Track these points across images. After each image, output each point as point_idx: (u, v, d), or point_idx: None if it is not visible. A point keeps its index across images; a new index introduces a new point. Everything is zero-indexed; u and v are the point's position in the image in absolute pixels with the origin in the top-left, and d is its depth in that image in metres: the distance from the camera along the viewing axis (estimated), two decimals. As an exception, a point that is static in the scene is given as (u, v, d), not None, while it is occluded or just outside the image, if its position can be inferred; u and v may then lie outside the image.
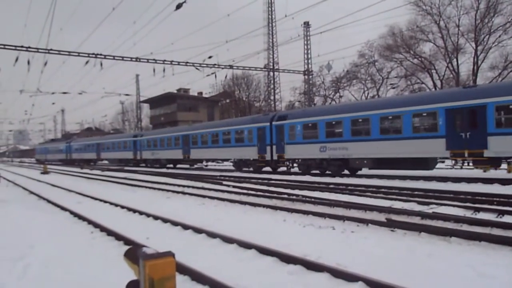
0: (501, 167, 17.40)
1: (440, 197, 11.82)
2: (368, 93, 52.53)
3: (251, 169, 27.49)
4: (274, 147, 24.97)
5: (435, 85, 43.74)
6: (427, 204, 10.74)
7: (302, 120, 23.38)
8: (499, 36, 39.01)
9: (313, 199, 12.34)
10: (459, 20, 40.66)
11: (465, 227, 7.80)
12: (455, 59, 42.16)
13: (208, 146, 31.60)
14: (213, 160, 37.54)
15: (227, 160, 32.19)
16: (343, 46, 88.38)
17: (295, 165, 25.00)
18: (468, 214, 9.33)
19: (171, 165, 38.84)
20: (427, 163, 18.16)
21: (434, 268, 5.45)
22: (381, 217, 9.06)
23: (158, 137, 39.51)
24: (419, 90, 44.17)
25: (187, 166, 38.10)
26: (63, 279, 5.49)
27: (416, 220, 8.69)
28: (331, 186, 16.11)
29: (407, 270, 5.40)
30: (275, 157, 24.96)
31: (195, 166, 38.10)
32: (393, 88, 48.15)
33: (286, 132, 23.93)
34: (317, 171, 22.91)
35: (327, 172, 22.10)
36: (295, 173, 24.23)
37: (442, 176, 17.93)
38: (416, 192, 13.06)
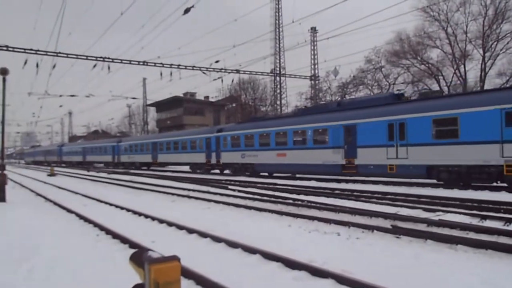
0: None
1: (446, 204, 11.73)
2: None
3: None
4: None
5: (442, 92, 43.57)
6: (433, 211, 10.67)
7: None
8: (507, 43, 38.73)
9: (318, 205, 12.30)
10: (467, 26, 40.48)
11: (472, 235, 7.74)
12: (462, 66, 41.95)
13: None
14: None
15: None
16: (350, 52, 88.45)
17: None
18: (475, 221, 9.26)
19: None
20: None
21: (439, 276, 5.41)
22: (387, 223, 9.02)
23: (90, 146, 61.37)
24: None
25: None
26: (68, 281, 5.51)
27: (422, 227, 8.64)
28: (337, 191, 16.06)
29: (413, 277, 5.36)
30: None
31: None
32: (400, 94, 48.02)
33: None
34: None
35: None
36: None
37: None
38: (422, 199, 12.98)
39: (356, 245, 7.33)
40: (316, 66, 48.34)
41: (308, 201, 13.25)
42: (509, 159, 15.09)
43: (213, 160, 31.95)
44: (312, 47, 48.35)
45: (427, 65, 45.22)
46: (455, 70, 42.68)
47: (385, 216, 9.91)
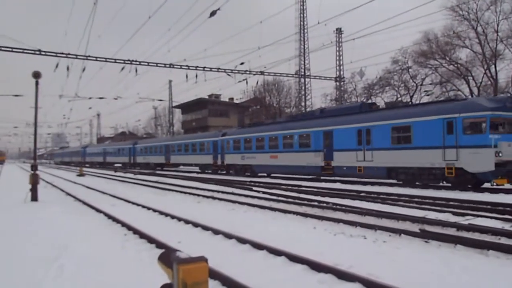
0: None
1: (476, 208, 11.42)
2: (401, 100, 51.28)
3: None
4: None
5: (471, 92, 42.31)
6: (463, 215, 10.40)
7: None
8: (541, 42, 37.47)
9: (343, 207, 12.18)
10: (498, 25, 39.16)
11: (504, 240, 7.50)
12: (493, 66, 40.71)
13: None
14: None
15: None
16: (377, 52, 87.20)
17: None
18: (507, 226, 8.97)
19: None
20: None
21: (470, 282, 5.26)
22: (414, 227, 8.84)
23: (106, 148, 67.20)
24: (455, 97, 42.87)
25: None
26: (97, 280, 5.63)
27: (452, 231, 8.43)
28: (362, 194, 15.87)
29: (443, 283, 5.24)
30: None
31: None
32: (428, 95, 46.90)
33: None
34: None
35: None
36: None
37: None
38: (451, 203, 12.67)
39: (383, 248, 7.22)
40: (341, 67, 47.93)
41: (333, 204, 13.13)
42: (449, 162, 17.10)
43: (219, 162, 35.22)
44: (338, 48, 47.98)
45: (455, 65, 44.07)
46: (486, 71, 41.43)
47: (413, 219, 9.72)
